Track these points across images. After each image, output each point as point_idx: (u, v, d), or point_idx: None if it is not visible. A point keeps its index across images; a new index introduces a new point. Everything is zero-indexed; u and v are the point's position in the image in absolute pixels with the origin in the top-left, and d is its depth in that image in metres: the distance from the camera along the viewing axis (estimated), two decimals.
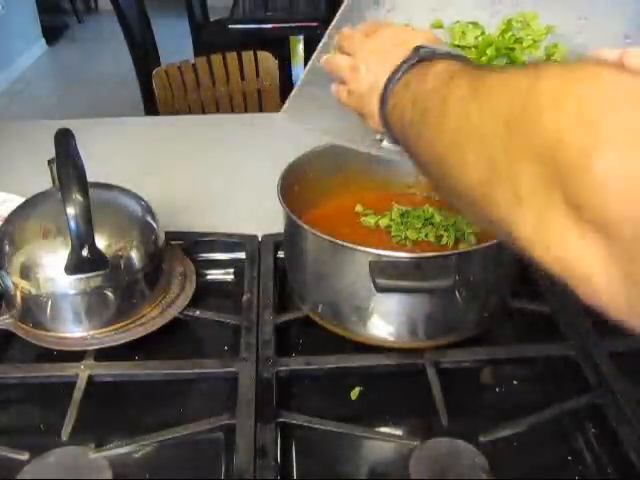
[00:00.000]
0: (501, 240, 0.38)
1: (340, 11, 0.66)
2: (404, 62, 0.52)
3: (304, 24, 2.86)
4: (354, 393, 0.73)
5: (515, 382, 0.75)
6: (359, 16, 0.66)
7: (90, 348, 0.75)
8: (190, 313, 0.81)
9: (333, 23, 0.66)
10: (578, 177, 0.28)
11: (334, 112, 0.69)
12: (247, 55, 2.04)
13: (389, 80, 0.53)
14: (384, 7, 0.66)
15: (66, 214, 0.67)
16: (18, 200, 0.84)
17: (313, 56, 0.69)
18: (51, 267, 0.72)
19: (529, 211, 0.32)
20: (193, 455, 0.67)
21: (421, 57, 0.51)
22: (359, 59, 0.59)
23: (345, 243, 0.69)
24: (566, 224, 0.30)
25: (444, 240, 0.81)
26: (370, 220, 0.85)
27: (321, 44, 0.68)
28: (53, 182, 0.75)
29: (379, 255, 0.68)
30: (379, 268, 0.65)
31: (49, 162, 0.73)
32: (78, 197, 0.68)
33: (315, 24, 2.78)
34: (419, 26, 0.64)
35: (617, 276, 0.29)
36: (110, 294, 0.75)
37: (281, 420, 0.67)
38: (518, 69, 0.37)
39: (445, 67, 0.47)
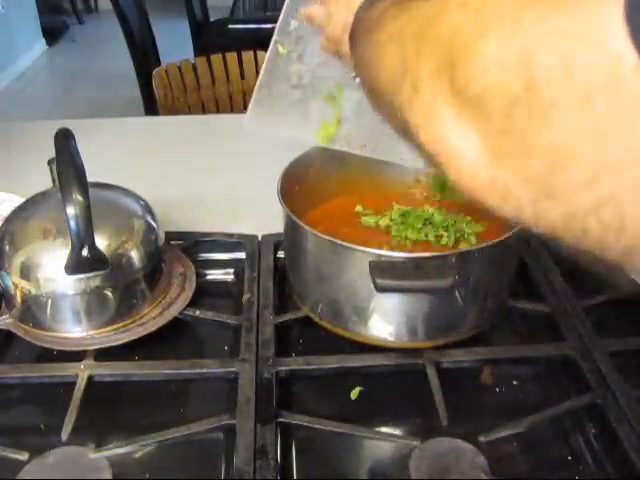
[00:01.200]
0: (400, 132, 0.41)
1: (286, 3, 0.68)
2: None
3: None
4: (354, 393, 0.73)
5: (515, 382, 0.75)
6: (304, 7, 0.68)
7: (90, 348, 0.75)
8: (190, 313, 0.81)
9: (281, 15, 0.68)
10: (463, 59, 0.32)
11: (296, 112, 0.70)
12: (247, 55, 2.04)
13: (355, 18, 0.55)
14: None
15: (66, 214, 0.67)
16: (18, 200, 0.85)
17: (267, 55, 0.70)
18: (51, 267, 0.72)
19: (421, 97, 0.36)
20: (193, 455, 0.67)
21: None
22: (331, 4, 0.63)
23: (345, 243, 0.69)
24: (448, 106, 0.33)
25: (444, 240, 0.81)
26: (370, 220, 0.85)
27: (275, 37, 0.69)
28: (53, 182, 0.75)
29: (379, 255, 0.68)
30: (379, 268, 0.65)
31: (49, 162, 0.73)
32: (78, 197, 0.68)
33: None
34: None
35: (485, 152, 0.31)
36: (110, 294, 0.75)
37: (281, 420, 0.67)
38: None
39: None
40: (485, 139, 0.31)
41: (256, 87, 0.71)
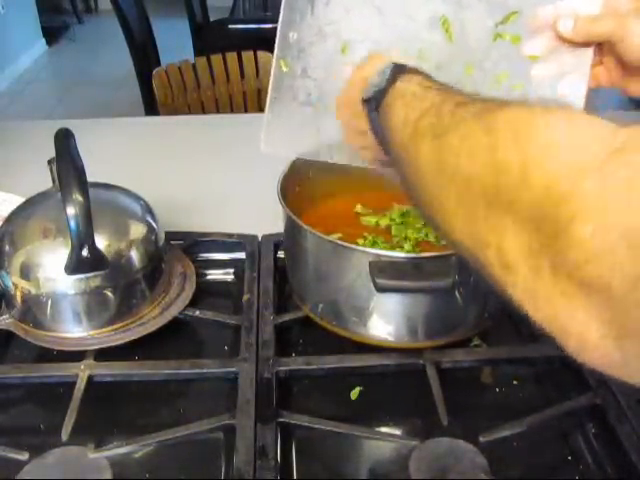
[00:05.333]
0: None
1: (281, 14, 0.65)
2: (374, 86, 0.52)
3: None
4: (354, 393, 0.73)
5: (515, 382, 0.75)
6: (300, 15, 0.65)
7: (90, 348, 0.75)
8: (190, 313, 0.81)
9: (279, 28, 0.65)
10: (563, 246, 0.29)
11: (311, 130, 0.68)
12: (247, 55, 2.04)
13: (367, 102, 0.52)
14: (321, 1, 0.65)
15: (66, 214, 0.67)
16: (18, 200, 0.84)
17: (271, 74, 0.66)
18: (51, 267, 0.72)
19: (517, 276, 0.33)
20: (193, 455, 0.67)
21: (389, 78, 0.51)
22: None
23: (345, 243, 0.69)
24: (553, 291, 0.31)
25: (444, 240, 0.81)
26: (370, 220, 0.85)
27: (275, 52, 0.66)
28: (53, 182, 0.75)
29: (379, 255, 0.68)
30: (379, 268, 0.65)
31: (49, 162, 0.73)
32: (78, 197, 0.68)
33: None
34: (356, 18, 0.64)
35: (609, 331, 0.29)
36: (110, 294, 0.75)
37: (281, 420, 0.67)
38: (492, 110, 0.37)
39: (421, 91, 0.47)
40: (608, 320, 0.29)
41: (266, 109, 0.68)
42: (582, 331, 0.31)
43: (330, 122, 0.67)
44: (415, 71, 0.51)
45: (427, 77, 0.50)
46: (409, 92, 0.48)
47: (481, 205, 0.35)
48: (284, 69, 0.67)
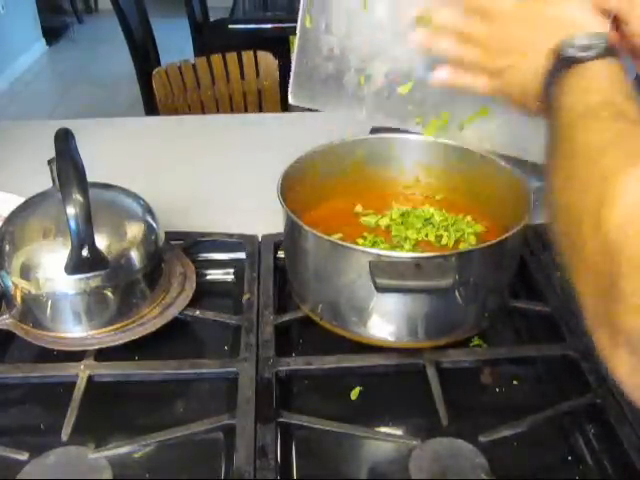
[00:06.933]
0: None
1: None
2: (555, 66, 0.52)
3: None
4: (354, 393, 0.73)
5: (515, 382, 0.75)
6: None
7: (90, 348, 0.75)
8: (190, 313, 0.81)
9: None
10: (613, 297, 0.36)
11: (333, 85, 0.70)
12: (247, 55, 2.04)
13: (547, 82, 0.53)
14: None
15: (66, 214, 0.67)
16: (18, 200, 0.84)
17: (297, 29, 0.69)
18: (51, 267, 0.72)
19: (596, 334, 0.40)
20: (193, 455, 0.67)
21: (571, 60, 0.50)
22: (496, 37, 0.58)
23: (345, 243, 0.69)
24: (610, 343, 0.38)
25: (444, 240, 0.81)
26: (370, 220, 0.85)
27: (302, 7, 0.68)
28: (53, 182, 0.75)
29: (379, 255, 0.68)
30: (379, 268, 0.65)
31: (49, 162, 0.73)
32: (78, 197, 0.68)
33: None
34: None
35: None
36: (110, 294, 0.75)
37: (281, 420, 0.67)
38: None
39: (598, 90, 0.47)
40: None
41: (293, 62, 0.71)
42: (629, 375, 0.38)
43: (352, 79, 0.69)
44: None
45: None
46: (604, 76, 0.48)
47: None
48: (308, 25, 0.69)
